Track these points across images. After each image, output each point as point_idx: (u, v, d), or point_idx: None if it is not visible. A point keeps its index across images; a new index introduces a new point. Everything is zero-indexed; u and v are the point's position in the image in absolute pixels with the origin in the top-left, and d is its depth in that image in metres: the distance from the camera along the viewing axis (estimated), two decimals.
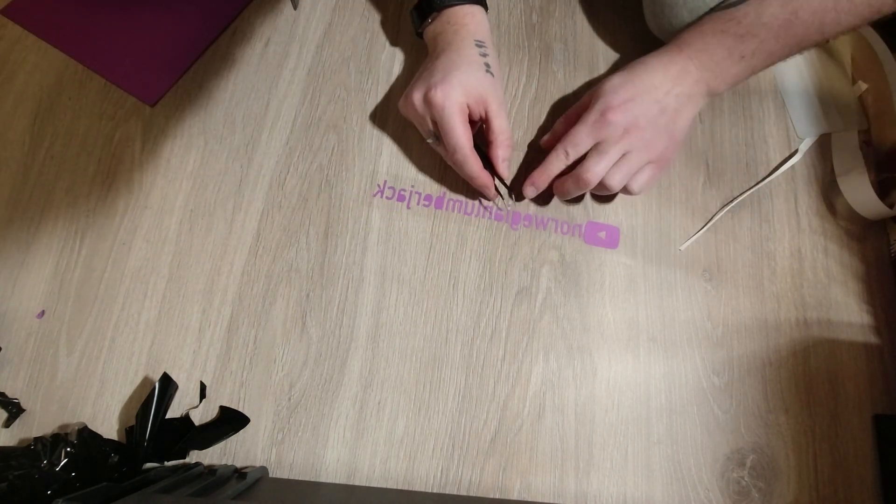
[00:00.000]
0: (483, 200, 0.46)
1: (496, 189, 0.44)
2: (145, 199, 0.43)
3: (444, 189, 0.45)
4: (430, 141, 0.42)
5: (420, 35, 0.46)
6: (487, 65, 0.42)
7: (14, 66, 0.46)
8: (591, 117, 0.40)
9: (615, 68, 0.51)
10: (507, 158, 0.42)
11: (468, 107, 0.40)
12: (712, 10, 0.40)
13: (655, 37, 0.47)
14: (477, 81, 0.40)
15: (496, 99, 0.41)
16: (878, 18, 0.36)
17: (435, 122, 0.40)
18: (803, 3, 0.36)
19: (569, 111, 0.44)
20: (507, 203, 0.45)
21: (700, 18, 0.41)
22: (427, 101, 0.39)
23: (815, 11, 0.36)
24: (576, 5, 0.53)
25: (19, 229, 0.42)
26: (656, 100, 0.39)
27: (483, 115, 0.41)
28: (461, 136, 0.39)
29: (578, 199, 0.46)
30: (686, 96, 0.40)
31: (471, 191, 0.45)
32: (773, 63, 0.39)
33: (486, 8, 0.45)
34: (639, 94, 0.39)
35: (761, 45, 0.38)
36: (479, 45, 0.42)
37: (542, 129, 0.48)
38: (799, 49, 0.38)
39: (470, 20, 0.43)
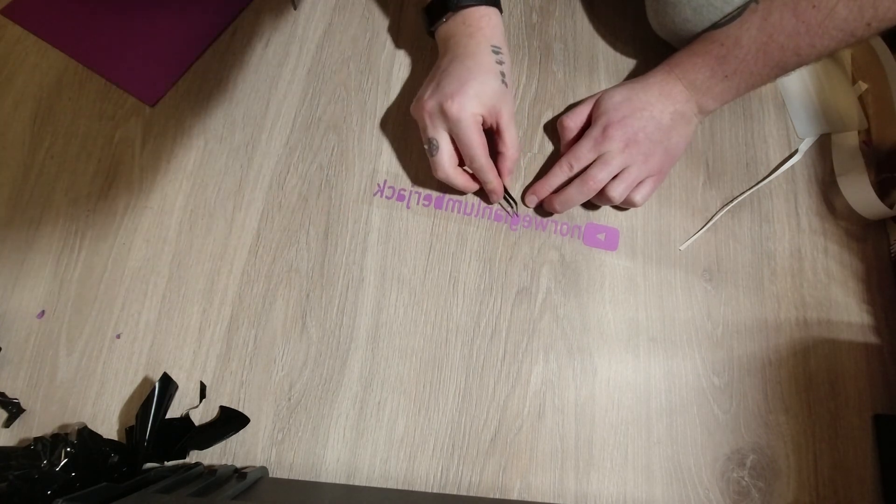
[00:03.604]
0: (490, 205, 0.46)
1: (506, 200, 0.44)
2: (145, 199, 0.43)
3: (444, 189, 0.45)
4: (426, 148, 0.41)
5: (432, 34, 0.45)
6: (503, 73, 0.41)
7: (14, 66, 0.46)
8: (594, 133, 0.43)
9: (615, 68, 0.51)
10: (512, 171, 0.43)
11: (483, 117, 0.40)
12: (703, 31, 0.42)
13: (657, 36, 0.47)
14: (493, 92, 0.40)
15: (509, 110, 0.41)
16: (855, 42, 0.36)
17: (434, 133, 0.40)
18: (777, 27, 0.37)
19: (565, 119, 0.45)
20: (513, 211, 0.45)
21: (692, 40, 0.42)
22: (443, 111, 0.39)
23: (789, 35, 0.37)
24: (576, 5, 0.53)
25: (19, 229, 0.42)
26: (652, 116, 0.42)
27: (495, 126, 0.41)
28: (478, 147, 0.39)
29: None
30: (679, 114, 0.42)
31: None
32: (759, 83, 0.41)
33: (500, 10, 0.44)
34: (636, 111, 0.42)
35: (741, 65, 0.40)
36: (496, 51, 0.41)
37: (543, 130, 0.48)
38: (781, 71, 0.39)
39: (486, 23, 0.42)
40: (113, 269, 0.42)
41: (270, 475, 0.38)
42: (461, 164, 0.42)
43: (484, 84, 0.39)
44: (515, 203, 0.45)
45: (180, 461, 0.37)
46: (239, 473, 0.34)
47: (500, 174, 0.42)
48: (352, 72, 0.48)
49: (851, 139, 0.50)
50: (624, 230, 0.46)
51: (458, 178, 0.41)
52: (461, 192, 0.45)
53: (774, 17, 0.37)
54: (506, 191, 0.44)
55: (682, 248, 0.46)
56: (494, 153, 0.42)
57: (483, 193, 0.44)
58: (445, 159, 0.40)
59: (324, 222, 0.44)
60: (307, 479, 0.38)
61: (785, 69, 0.39)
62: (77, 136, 0.44)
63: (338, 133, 0.46)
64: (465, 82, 0.39)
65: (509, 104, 0.41)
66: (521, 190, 0.46)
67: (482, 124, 0.41)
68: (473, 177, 0.42)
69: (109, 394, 0.39)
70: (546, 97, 0.49)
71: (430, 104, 0.39)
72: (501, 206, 0.45)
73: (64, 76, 0.46)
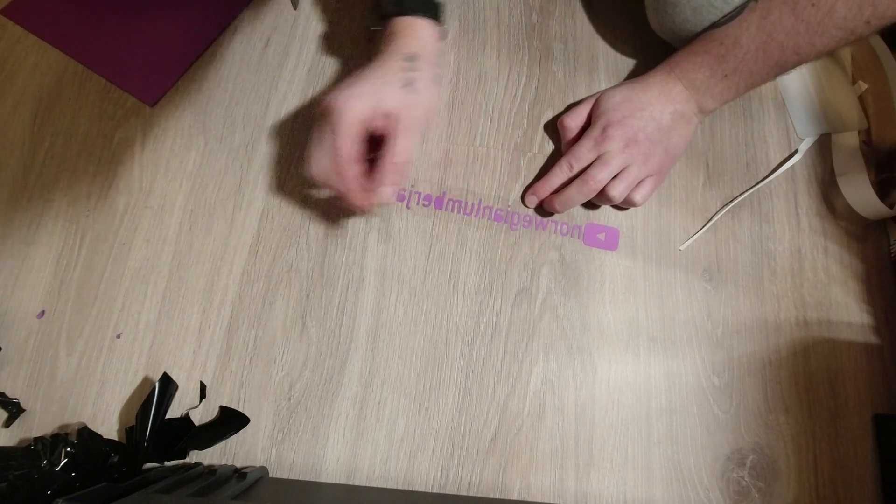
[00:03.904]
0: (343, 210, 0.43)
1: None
2: (145, 199, 0.43)
3: (444, 189, 0.45)
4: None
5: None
6: (410, 80, 0.39)
7: (14, 66, 0.46)
8: (594, 133, 0.42)
9: (615, 68, 0.51)
10: (396, 183, 0.38)
11: (373, 121, 0.37)
12: (702, 31, 0.42)
13: (657, 36, 0.47)
14: (388, 95, 0.38)
15: (410, 118, 0.38)
16: (854, 40, 0.36)
17: (318, 131, 0.38)
18: (776, 26, 0.37)
19: (565, 119, 0.45)
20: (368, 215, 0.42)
21: (692, 39, 0.42)
22: (327, 106, 0.37)
23: (788, 34, 0.37)
24: (576, 5, 0.53)
25: (19, 229, 0.42)
26: (652, 116, 0.42)
27: (390, 132, 0.38)
28: (340, 147, 0.36)
29: None
30: (679, 114, 0.42)
31: (471, 191, 0.45)
32: (759, 83, 0.41)
33: (438, 21, 0.42)
34: (636, 111, 0.42)
35: (741, 65, 0.39)
36: (409, 59, 0.40)
37: (543, 129, 0.48)
38: (781, 70, 0.39)
39: (409, 32, 0.41)
40: (113, 269, 0.42)
41: (270, 475, 0.38)
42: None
43: (376, 86, 0.38)
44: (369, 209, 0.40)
45: (180, 461, 0.37)
46: (239, 473, 0.34)
47: (380, 181, 0.38)
48: (352, 72, 0.48)
49: (851, 139, 0.50)
50: (624, 230, 0.46)
51: (349, 173, 0.38)
52: (440, 187, 0.45)
53: (773, 16, 0.37)
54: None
55: (682, 248, 0.46)
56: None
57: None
58: (315, 155, 0.38)
59: (324, 222, 0.44)
60: (307, 479, 0.38)
61: (785, 68, 0.39)
62: (77, 136, 0.44)
63: None
64: (359, 81, 0.38)
65: (411, 113, 0.38)
66: (521, 190, 0.46)
67: (375, 128, 0.38)
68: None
69: (109, 394, 0.39)
70: (546, 97, 0.49)
71: (325, 99, 0.38)
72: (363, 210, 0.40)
73: (64, 76, 0.46)
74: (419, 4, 0.42)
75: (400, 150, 0.38)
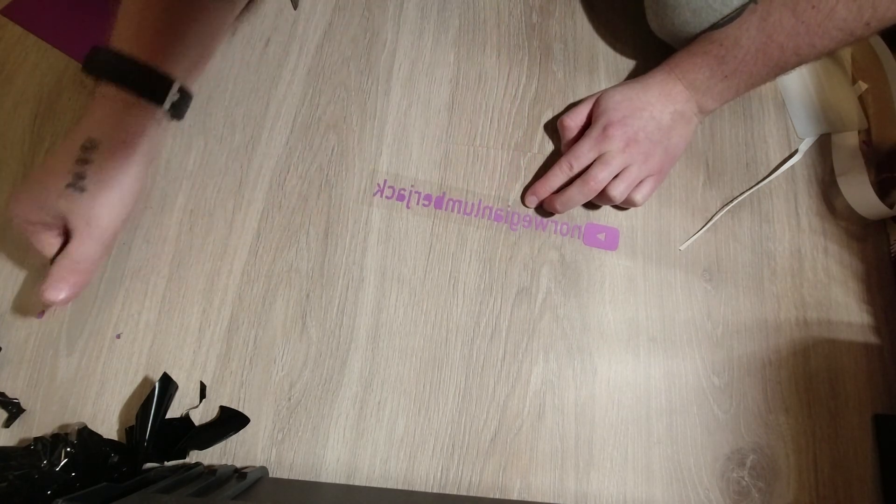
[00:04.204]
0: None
1: None
2: (145, 199, 0.43)
3: (444, 189, 0.45)
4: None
5: None
6: (80, 175, 0.33)
7: (14, 66, 0.46)
8: (594, 132, 0.43)
9: (615, 68, 0.51)
10: (72, 284, 0.34)
11: (47, 223, 0.34)
12: (702, 32, 0.42)
13: (656, 37, 0.47)
14: (49, 198, 0.33)
15: (78, 221, 0.34)
16: (853, 41, 0.36)
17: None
18: (776, 27, 0.37)
19: (565, 119, 0.45)
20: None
21: (692, 40, 0.42)
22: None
23: (788, 35, 0.37)
24: (576, 5, 0.53)
25: (19, 229, 0.42)
26: (652, 116, 0.42)
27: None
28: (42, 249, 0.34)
29: None
30: (679, 114, 0.42)
31: (471, 190, 0.45)
32: (759, 83, 0.41)
33: (159, 103, 0.35)
34: (636, 111, 0.42)
35: (741, 66, 0.40)
36: (87, 147, 0.33)
37: (543, 129, 0.48)
38: (780, 70, 0.39)
39: (98, 108, 0.34)
40: (113, 269, 0.41)
41: (270, 475, 0.38)
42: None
43: (38, 188, 0.34)
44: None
45: (180, 461, 0.37)
46: (239, 473, 0.34)
47: (48, 280, 0.35)
48: (352, 72, 0.48)
49: (851, 139, 0.50)
50: (624, 230, 0.46)
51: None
52: (440, 187, 0.45)
53: (774, 18, 0.37)
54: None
55: (682, 248, 0.46)
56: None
57: None
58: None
59: (324, 222, 0.44)
60: (307, 479, 0.38)
61: (784, 69, 0.39)
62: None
63: (338, 133, 0.46)
64: (27, 181, 0.35)
65: (80, 214, 0.34)
66: (521, 190, 0.46)
67: (58, 228, 0.35)
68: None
69: (109, 394, 0.39)
70: (546, 97, 0.49)
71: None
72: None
73: (64, 76, 0.46)
74: (132, 74, 0.34)
75: (71, 255, 0.34)
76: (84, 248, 0.35)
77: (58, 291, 0.34)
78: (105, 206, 0.34)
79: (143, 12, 0.36)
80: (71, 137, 0.34)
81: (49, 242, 0.35)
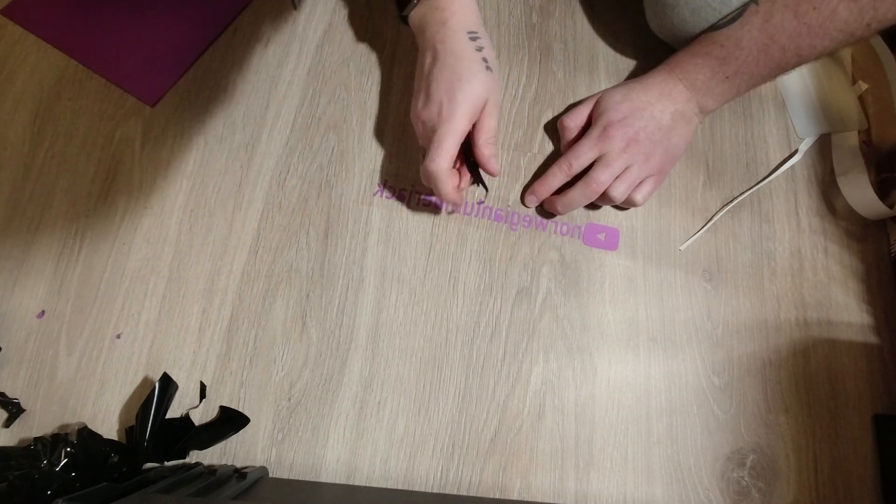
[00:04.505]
0: (445, 205, 0.44)
1: (481, 184, 0.42)
2: (145, 199, 0.43)
3: None
4: (422, 156, 0.40)
5: (404, 19, 0.43)
6: (486, 59, 0.39)
7: (14, 66, 0.46)
8: (594, 133, 0.43)
9: (615, 68, 0.51)
10: (493, 155, 0.41)
11: (479, 110, 0.39)
12: (702, 32, 0.42)
13: (656, 37, 0.47)
14: (481, 86, 0.38)
15: (494, 98, 0.40)
16: (854, 42, 0.36)
17: (424, 145, 0.39)
18: (778, 28, 0.37)
19: (565, 119, 0.45)
20: (481, 200, 0.45)
21: (692, 41, 0.42)
22: (434, 124, 0.38)
23: (790, 36, 0.37)
24: (576, 5, 0.53)
25: (19, 229, 0.42)
26: (653, 116, 0.42)
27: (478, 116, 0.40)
28: (446, 152, 0.38)
29: None
30: (679, 114, 0.42)
31: (471, 190, 0.45)
32: (759, 83, 0.41)
33: None
34: (637, 111, 0.42)
35: (742, 66, 0.40)
36: (473, 37, 0.40)
37: (543, 129, 0.48)
38: (781, 70, 0.40)
39: (458, 6, 0.40)
40: (113, 269, 0.42)
41: (270, 475, 0.38)
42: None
43: (471, 83, 0.38)
44: (486, 190, 0.45)
45: (180, 461, 0.37)
46: (239, 473, 0.34)
47: (480, 162, 0.41)
48: (352, 72, 0.48)
49: (851, 139, 0.50)
50: (624, 230, 0.46)
51: (449, 180, 0.39)
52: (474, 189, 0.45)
53: (776, 19, 0.37)
54: (480, 180, 0.42)
55: (682, 248, 0.46)
56: (472, 143, 0.41)
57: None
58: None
59: (324, 222, 0.44)
60: (307, 479, 0.38)
61: (785, 69, 0.39)
62: (77, 136, 0.44)
63: (338, 133, 0.46)
64: (452, 86, 0.38)
65: (495, 91, 0.40)
66: (521, 190, 0.46)
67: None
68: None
69: (109, 394, 0.39)
70: (546, 97, 0.49)
71: (424, 115, 0.39)
72: (482, 185, 0.43)
73: (64, 76, 0.46)
74: None
75: (489, 128, 0.40)
76: (494, 120, 0.40)
77: (494, 157, 0.41)
78: (499, 79, 0.42)
79: None
80: (455, 38, 0.39)
81: (454, 152, 0.38)
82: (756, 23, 0.38)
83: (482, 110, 0.40)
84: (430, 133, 0.39)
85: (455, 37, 0.39)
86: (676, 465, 0.40)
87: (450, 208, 0.45)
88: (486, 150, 0.40)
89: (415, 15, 0.42)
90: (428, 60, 0.41)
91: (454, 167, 0.41)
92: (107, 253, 0.42)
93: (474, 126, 0.40)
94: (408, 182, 0.46)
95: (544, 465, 0.39)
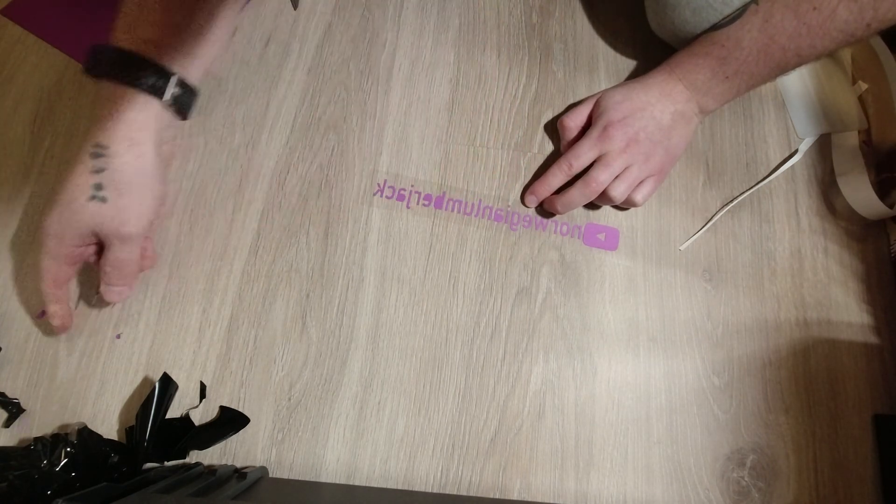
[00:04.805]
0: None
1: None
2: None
3: (444, 189, 0.45)
4: None
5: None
6: (98, 186, 0.33)
7: (14, 66, 0.46)
8: (594, 132, 0.42)
9: (615, 68, 0.51)
10: (120, 291, 0.37)
11: (84, 239, 0.35)
12: (703, 32, 0.42)
13: (657, 37, 0.47)
14: (75, 216, 0.33)
15: (108, 231, 0.34)
16: (854, 42, 0.37)
17: None
18: (778, 28, 0.37)
19: (565, 119, 0.45)
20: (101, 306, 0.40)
21: (692, 41, 0.42)
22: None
23: (790, 37, 0.37)
24: (576, 5, 0.53)
25: (19, 229, 0.42)
26: (653, 116, 0.42)
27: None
28: (46, 274, 0.35)
29: None
30: (679, 114, 0.42)
31: (471, 190, 0.45)
32: (759, 83, 0.41)
33: (158, 96, 0.35)
34: (637, 111, 0.42)
35: (742, 66, 0.40)
36: (97, 154, 0.33)
37: (543, 130, 0.48)
38: (781, 71, 0.40)
39: (101, 109, 0.34)
40: None
41: (270, 475, 0.38)
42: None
43: (62, 210, 0.34)
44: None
45: (180, 461, 0.37)
46: (239, 473, 0.34)
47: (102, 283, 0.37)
48: (352, 72, 0.48)
49: (851, 139, 0.50)
50: (624, 230, 0.46)
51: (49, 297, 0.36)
52: (439, 186, 0.45)
53: (776, 19, 0.37)
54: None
55: (682, 248, 0.46)
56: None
57: None
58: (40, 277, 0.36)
59: (324, 222, 0.44)
60: (307, 479, 0.38)
61: (785, 69, 0.39)
62: (77, 136, 0.44)
63: (338, 133, 0.46)
64: (52, 204, 0.34)
65: (107, 223, 0.34)
66: (521, 190, 0.46)
67: (92, 240, 0.36)
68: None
69: (109, 394, 0.39)
70: (546, 97, 0.49)
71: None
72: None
73: (64, 76, 0.46)
74: (127, 66, 0.34)
75: (107, 261, 0.36)
76: (121, 253, 0.35)
77: (113, 296, 0.37)
78: (129, 211, 0.35)
79: (141, 6, 0.36)
80: (81, 149, 0.34)
81: (89, 255, 0.37)
82: (756, 23, 0.38)
83: (103, 238, 0.35)
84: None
85: (79, 150, 0.34)
86: (676, 465, 0.40)
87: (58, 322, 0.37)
88: (102, 285, 0.36)
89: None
90: None
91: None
92: None
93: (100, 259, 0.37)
94: (408, 182, 0.46)
95: (544, 465, 0.39)
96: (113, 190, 0.34)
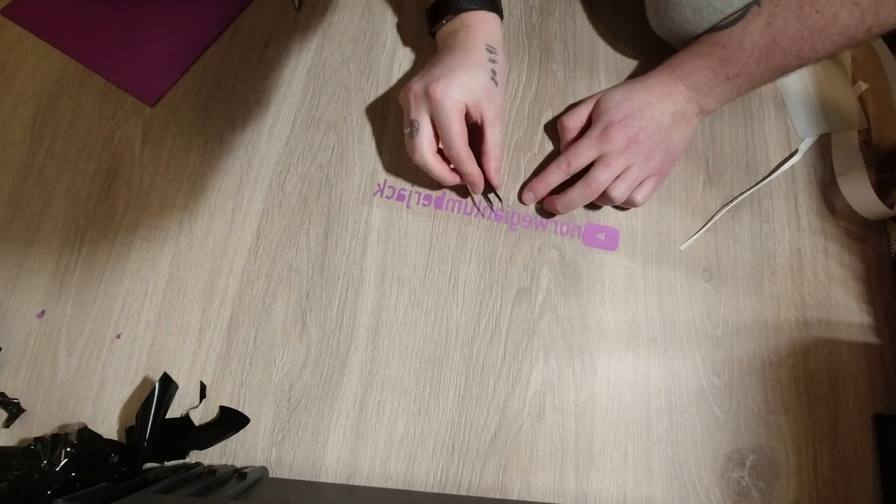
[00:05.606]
0: (475, 201, 0.45)
1: (488, 198, 0.44)
2: (145, 199, 0.43)
3: (444, 189, 0.45)
4: (407, 131, 0.41)
5: (433, 34, 0.45)
6: (494, 72, 0.41)
7: (14, 66, 0.46)
8: (594, 132, 0.42)
9: (615, 68, 0.51)
10: (499, 170, 0.42)
11: (466, 107, 0.39)
12: (704, 33, 0.42)
13: (656, 36, 0.47)
14: (479, 85, 0.39)
15: (494, 108, 0.40)
16: (854, 45, 0.37)
17: (416, 115, 0.39)
18: (781, 31, 0.38)
19: (565, 119, 0.45)
20: (498, 207, 0.45)
21: (693, 41, 0.43)
22: (427, 94, 0.38)
23: (792, 39, 0.37)
24: (576, 5, 0.53)
25: (19, 229, 0.42)
26: (653, 116, 0.42)
27: (479, 121, 0.40)
28: (457, 134, 0.38)
29: None
30: (679, 114, 0.42)
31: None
32: (759, 84, 0.41)
33: (501, 16, 0.45)
34: (637, 111, 0.42)
35: (744, 68, 0.40)
36: (490, 50, 0.41)
37: (543, 129, 0.48)
38: (782, 72, 0.40)
39: (484, 25, 0.42)
40: (113, 269, 0.41)
41: (270, 475, 0.38)
42: (442, 154, 0.41)
43: (471, 76, 0.39)
44: (501, 201, 0.45)
45: (180, 461, 0.37)
46: (239, 473, 0.34)
47: (486, 175, 0.41)
48: (352, 72, 0.48)
49: (851, 139, 0.50)
50: (624, 230, 0.46)
51: (436, 165, 0.40)
52: (439, 186, 0.45)
53: (778, 22, 0.37)
54: (493, 190, 0.44)
55: (682, 248, 0.46)
56: (478, 152, 0.41)
57: (461, 189, 0.45)
58: (424, 142, 0.39)
59: (324, 222, 0.44)
60: (307, 479, 0.38)
61: (785, 71, 0.39)
62: (77, 136, 0.44)
63: (338, 133, 0.46)
64: (452, 69, 0.39)
65: (496, 103, 0.41)
66: (520, 189, 0.46)
67: (466, 117, 0.40)
68: (454, 170, 0.42)
69: (109, 394, 0.39)
70: (546, 97, 0.49)
71: (415, 86, 0.39)
72: (486, 200, 0.45)
73: (64, 76, 0.46)
74: (489, 1, 0.43)
75: (492, 141, 0.41)
76: (497, 132, 0.41)
77: (500, 165, 0.42)
78: (505, 98, 0.43)
79: None
80: (475, 45, 0.41)
81: (463, 126, 0.39)
82: (759, 25, 0.38)
83: (483, 118, 0.40)
84: (420, 106, 0.39)
85: (473, 43, 0.41)
86: (676, 465, 0.40)
87: (486, 209, 0.45)
88: (490, 162, 0.41)
89: (443, 31, 0.44)
90: (440, 53, 0.42)
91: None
92: (107, 253, 0.42)
93: (480, 138, 0.41)
94: (408, 182, 0.45)
95: (544, 465, 0.39)
96: (500, 77, 0.41)
